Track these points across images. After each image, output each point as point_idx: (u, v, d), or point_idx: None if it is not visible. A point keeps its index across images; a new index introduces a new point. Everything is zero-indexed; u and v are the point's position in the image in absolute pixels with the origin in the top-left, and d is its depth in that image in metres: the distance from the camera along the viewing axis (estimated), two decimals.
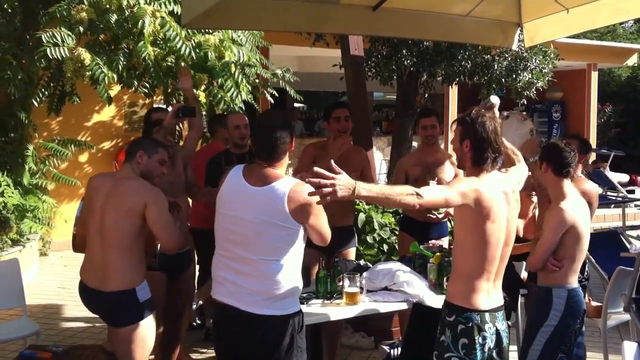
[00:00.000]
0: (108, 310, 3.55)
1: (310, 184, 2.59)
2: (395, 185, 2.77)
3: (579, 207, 3.68)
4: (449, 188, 2.89)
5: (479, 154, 2.98)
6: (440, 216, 4.89)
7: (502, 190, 2.99)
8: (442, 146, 14.70)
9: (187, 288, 4.73)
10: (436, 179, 4.88)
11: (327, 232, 3.11)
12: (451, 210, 5.05)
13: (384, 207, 6.32)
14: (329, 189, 2.53)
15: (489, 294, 2.99)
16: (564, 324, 3.60)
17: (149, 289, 3.55)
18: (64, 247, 9.28)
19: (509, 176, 3.15)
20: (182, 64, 6.17)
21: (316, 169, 2.58)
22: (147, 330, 3.51)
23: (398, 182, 5.11)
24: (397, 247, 5.64)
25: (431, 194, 2.78)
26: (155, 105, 9.43)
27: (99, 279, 3.47)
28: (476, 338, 2.94)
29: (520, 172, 3.33)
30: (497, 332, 3.01)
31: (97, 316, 3.85)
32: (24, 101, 7.42)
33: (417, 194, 2.70)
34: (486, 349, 2.97)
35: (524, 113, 15.44)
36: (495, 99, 3.58)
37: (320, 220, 3.05)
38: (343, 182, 2.58)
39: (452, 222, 6.05)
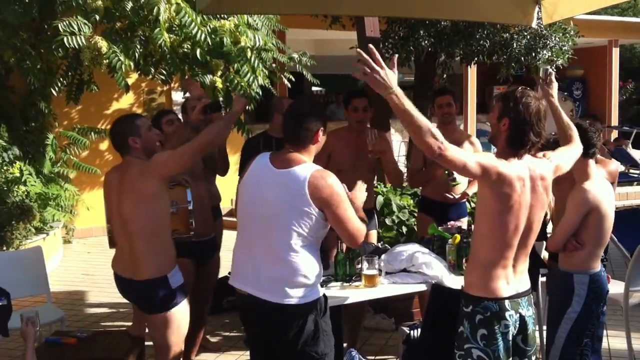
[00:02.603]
0: (142, 298, 3.58)
1: (361, 59, 2.62)
2: (427, 121, 2.66)
3: (603, 189, 3.61)
4: (473, 156, 2.78)
5: (517, 136, 2.84)
6: (457, 197, 4.88)
7: (529, 176, 2.87)
8: (462, 127, 14.63)
9: (212, 274, 4.77)
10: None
11: (356, 227, 3.04)
12: (469, 191, 5.03)
13: (402, 190, 6.31)
14: (371, 70, 2.59)
15: (508, 281, 2.88)
16: (588, 310, 3.55)
17: (181, 275, 3.57)
18: (87, 235, 9.42)
19: (543, 162, 2.99)
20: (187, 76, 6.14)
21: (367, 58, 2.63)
22: (181, 316, 3.54)
23: (416, 165, 5.10)
24: (415, 228, 5.63)
25: (455, 151, 2.68)
26: (173, 92, 9.49)
27: (131, 269, 3.50)
28: (496, 327, 2.84)
29: (567, 156, 3.18)
30: (522, 319, 2.91)
31: (121, 302, 3.90)
32: (43, 90, 7.47)
33: (442, 143, 2.63)
34: (509, 337, 2.88)
35: (565, 93, 15.27)
36: (548, 67, 3.50)
37: (343, 209, 2.98)
38: (387, 76, 2.61)
39: (471, 203, 6.03)
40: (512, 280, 2.90)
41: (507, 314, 2.85)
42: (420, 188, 5.45)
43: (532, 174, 2.88)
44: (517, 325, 2.91)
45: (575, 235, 3.56)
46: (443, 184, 4.89)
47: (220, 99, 6.80)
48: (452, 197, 4.87)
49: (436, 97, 5.08)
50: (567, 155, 3.19)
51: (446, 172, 4.77)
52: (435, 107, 5.05)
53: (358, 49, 2.69)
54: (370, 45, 2.66)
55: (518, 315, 2.90)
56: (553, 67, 3.15)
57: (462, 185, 4.92)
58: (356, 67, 2.65)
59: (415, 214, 5.68)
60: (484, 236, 2.89)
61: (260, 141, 4.93)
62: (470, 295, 2.91)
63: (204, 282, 4.59)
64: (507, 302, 2.86)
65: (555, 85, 3.48)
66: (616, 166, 4.39)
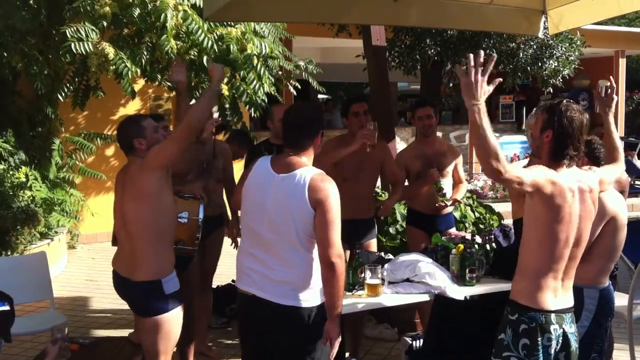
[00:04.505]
0: (134, 299, 3.59)
1: (476, 61, 2.59)
2: (497, 142, 2.66)
3: (619, 200, 3.61)
4: (529, 173, 2.77)
5: (559, 148, 2.85)
6: (449, 203, 4.90)
7: (578, 188, 2.87)
8: (468, 136, 14.61)
9: (192, 280, 4.69)
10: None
11: (337, 239, 2.96)
12: (458, 197, 5.05)
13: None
14: (474, 74, 2.59)
15: (555, 294, 2.87)
16: (596, 324, 3.52)
17: (177, 281, 3.56)
18: (92, 240, 9.43)
19: (590, 175, 3.00)
20: (186, 56, 6.14)
21: None
22: (172, 323, 3.53)
23: None
24: None
25: (513, 171, 2.69)
26: None
27: (129, 268, 3.52)
28: (539, 339, 2.82)
29: (609, 172, 3.20)
30: (564, 335, 2.88)
31: (124, 308, 3.90)
32: (50, 96, 7.52)
33: (504, 166, 2.64)
34: (551, 352, 2.85)
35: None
36: (607, 83, 3.48)
37: (332, 216, 2.94)
38: (481, 87, 2.60)
39: (460, 211, 6.05)
40: (559, 294, 2.89)
41: (551, 328, 2.84)
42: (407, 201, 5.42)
43: (581, 185, 2.89)
44: (560, 341, 2.88)
45: (590, 249, 3.46)
46: (430, 196, 4.91)
47: (227, 106, 6.84)
48: (443, 204, 4.89)
49: (416, 109, 5.08)
50: (610, 171, 3.21)
51: (435, 186, 4.81)
52: (416, 119, 5.05)
53: (474, 52, 2.66)
54: (494, 56, 2.67)
55: (562, 330, 2.88)
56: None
57: (448, 193, 4.95)
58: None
59: None
60: (534, 246, 2.87)
61: (262, 149, 4.96)
62: (517, 303, 2.89)
63: (185, 289, 4.56)
64: (553, 316, 2.85)
65: (614, 100, 3.49)
66: (626, 176, 4.39)
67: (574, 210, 2.84)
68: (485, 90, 2.62)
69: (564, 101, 2.92)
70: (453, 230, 4.94)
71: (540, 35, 6.02)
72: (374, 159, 4.75)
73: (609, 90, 3.46)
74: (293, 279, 3.02)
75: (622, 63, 15.86)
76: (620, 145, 3.41)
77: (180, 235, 4.02)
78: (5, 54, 6.75)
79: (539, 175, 2.78)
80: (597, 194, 2.97)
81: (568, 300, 2.94)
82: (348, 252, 4.07)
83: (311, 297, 3.05)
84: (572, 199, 2.83)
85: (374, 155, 4.71)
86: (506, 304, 2.95)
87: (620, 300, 4.68)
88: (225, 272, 5.01)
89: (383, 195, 6.17)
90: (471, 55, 2.62)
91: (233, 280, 5.64)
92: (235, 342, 5.44)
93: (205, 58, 6.23)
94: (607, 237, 3.52)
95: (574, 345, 2.93)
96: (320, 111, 3.42)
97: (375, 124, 4.36)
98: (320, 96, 17.00)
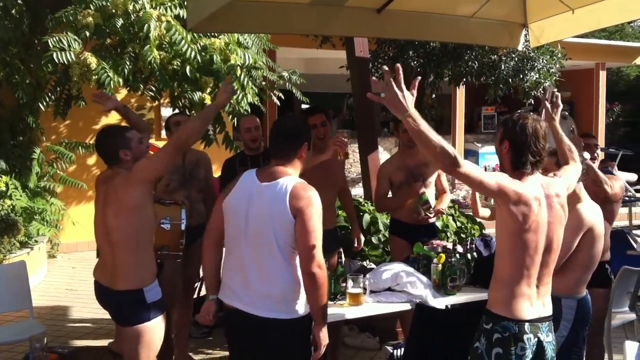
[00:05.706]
0: (116, 308, 3.57)
1: (386, 79, 2.67)
2: (442, 140, 2.70)
3: (596, 210, 3.64)
4: (489, 174, 2.82)
5: (517, 157, 2.91)
6: (431, 216, 4.89)
7: (544, 194, 2.91)
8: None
9: (173, 289, 4.67)
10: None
11: (318, 247, 2.96)
12: (441, 206, 5.07)
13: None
14: (390, 92, 2.68)
15: (531, 302, 2.88)
16: (574, 333, 3.55)
17: (159, 290, 3.55)
18: (72, 249, 9.37)
19: (556, 180, 3.05)
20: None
21: None
22: (153, 332, 3.51)
23: (382, 189, 5.07)
24: None
25: (470, 168, 2.73)
26: (162, 108, 9.50)
27: (110, 278, 3.51)
28: (512, 349, 2.83)
29: (571, 175, 3.24)
30: (539, 343, 2.89)
31: (104, 318, 3.88)
32: (31, 105, 7.48)
33: (457, 159, 2.68)
34: None
35: (566, 112, 15.43)
36: (555, 90, 3.55)
37: (313, 223, 2.95)
38: (404, 99, 2.68)
39: (442, 220, 6.06)
40: (535, 302, 2.90)
41: (525, 337, 2.85)
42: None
43: (547, 191, 2.93)
44: (534, 350, 2.89)
45: (568, 260, 3.53)
46: (413, 206, 4.89)
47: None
48: (429, 215, 4.88)
49: (400, 122, 5.06)
50: (572, 174, 3.25)
51: (420, 199, 4.79)
52: (400, 131, 5.04)
53: (384, 67, 2.74)
54: (398, 65, 2.70)
55: (536, 339, 2.88)
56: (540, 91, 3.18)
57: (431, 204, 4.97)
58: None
59: None
60: (506, 255, 2.90)
61: (237, 161, 4.97)
62: (492, 312, 2.91)
63: None
64: (527, 325, 2.86)
65: (560, 108, 3.55)
66: (618, 187, 4.48)
67: (541, 219, 2.87)
68: (408, 98, 2.69)
69: (518, 112, 3.01)
70: (435, 240, 4.96)
71: (521, 48, 6.09)
72: (335, 170, 4.76)
73: (555, 97, 3.52)
74: (274, 291, 3.01)
75: (603, 75, 16.04)
76: (572, 146, 3.45)
77: (164, 241, 4.03)
78: None
79: (502, 179, 2.83)
80: (564, 198, 3.01)
81: (545, 309, 2.95)
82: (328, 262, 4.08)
83: (293, 309, 3.04)
84: (539, 208, 2.86)
85: (335, 166, 4.69)
86: (482, 313, 2.98)
87: None
88: None
89: (366, 204, 6.20)
90: (386, 67, 2.71)
91: None
92: (215, 352, 5.43)
93: (188, 68, 6.24)
94: (585, 249, 3.55)
95: (550, 353, 2.94)
96: (306, 123, 3.44)
97: (346, 132, 4.32)
98: (303, 106, 17.01)
